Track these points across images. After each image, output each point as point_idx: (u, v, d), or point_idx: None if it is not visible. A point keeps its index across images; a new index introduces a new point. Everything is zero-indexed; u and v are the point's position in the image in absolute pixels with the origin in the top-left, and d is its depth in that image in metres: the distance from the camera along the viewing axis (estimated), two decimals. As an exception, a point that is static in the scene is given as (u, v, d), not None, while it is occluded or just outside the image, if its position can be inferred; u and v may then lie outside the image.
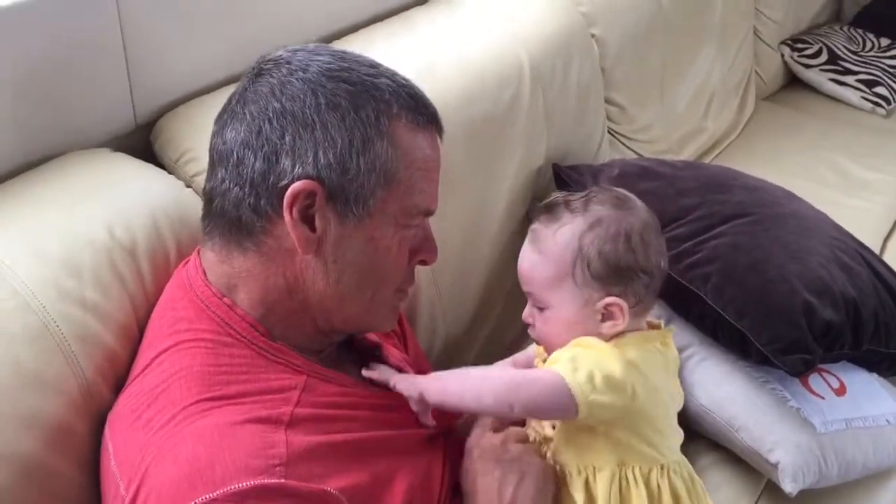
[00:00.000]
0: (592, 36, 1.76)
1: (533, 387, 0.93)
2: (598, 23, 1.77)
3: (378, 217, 0.88)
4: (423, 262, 0.96)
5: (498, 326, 1.59)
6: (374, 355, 1.02)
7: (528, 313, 1.04)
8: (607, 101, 1.84)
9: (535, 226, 1.02)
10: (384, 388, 0.96)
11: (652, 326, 1.05)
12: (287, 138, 0.85)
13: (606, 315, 0.98)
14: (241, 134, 0.87)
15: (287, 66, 0.88)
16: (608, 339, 0.98)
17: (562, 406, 0.91)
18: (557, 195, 1.05)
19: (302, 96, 0.85)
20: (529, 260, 1.02)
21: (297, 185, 0.84)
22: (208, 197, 0.91)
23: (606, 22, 1.79)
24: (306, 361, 0.90)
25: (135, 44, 1.17)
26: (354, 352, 1.02)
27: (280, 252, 0.88)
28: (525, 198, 1.60)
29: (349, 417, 0.89)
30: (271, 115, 0.85)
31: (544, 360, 1.04)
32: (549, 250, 0.99)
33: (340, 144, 0.85)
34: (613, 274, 0.97)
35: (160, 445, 0.78)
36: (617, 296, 0.97)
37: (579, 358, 0.93)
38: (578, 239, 0.97)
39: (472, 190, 1.47)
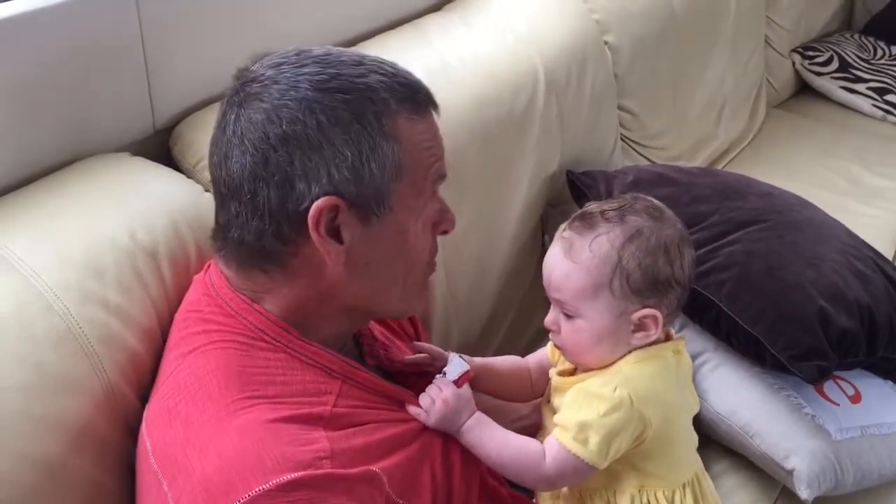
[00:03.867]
0: (606, 43, 1.76)
1: (553, 466, 0.95)
2: (612, 30, 1.78)
3: (399, 209, 0.88)
4: (444, 233, 0.96)
5: (511, 332, 1.60)
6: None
7: (552, 319, 1.02)
8: (620, 107, 1.84)
9: (567, 233, 1.00)
10: (399, 381, 0.99)
11: (665, 335, 1.05)
12: (297, 163, 0.84)
13: (639, 326, 0.97)
14: (248, 166, 0.85)
15: (275, 86, 0.85)
16: (636, 349, 0.99)
17: (584, 474, 0.96)
18: (591, 204, 1.02)
19: (301, 117, 0.83)
20: (563, 268, 0.99)
21: (318, 203, 0.84)
22: (223, 228, 0.90)
23: (620, 29, 1.79)
24: (341, 364, 0.90)
25: (154, 50, 1.18)
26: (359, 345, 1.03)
27: (308, 268, 0.88)
28: (539, 204, 1.60)
29: (379, 416, 0.90)
30: (274, 142, 0.83)
31: (559, 374, 1.05)
32: (585, 260, 0.97)
33: (351, 156, 0.84)
34: (651, 286, 0.96)
35: (202, 440, 0.79)
36: (652, 307, 0.97)
37: (587, 425, 0.93)
38: (618, 251, 0.96)
39: (487, 195, 1.47)
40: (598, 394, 0.95)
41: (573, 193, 1.61)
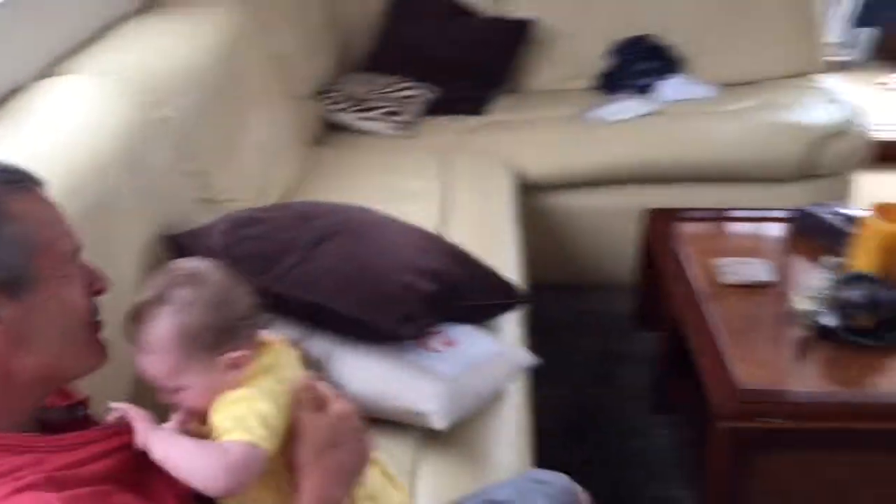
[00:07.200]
0: (161, 119, 1.89)
1: (230, 457, 1.01)
2: (164, 105, 1.92)
3: (46, 280, 0.96)
4: (99, 292, 1.05)
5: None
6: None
7: (168, 398, 1.09)
8: (189, 173, 1.98)
9: (132, 335, 1.07)
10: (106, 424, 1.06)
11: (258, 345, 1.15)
12: None
13: (232, 365, 1.07)
14: None
15: None
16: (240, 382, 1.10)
17: (262, 460, 1.03)
18: (135, 303, 1.09)
19: None
20: (146, 363, 1.07)
21: None
22: None
23: (172, 103, 1.94)
24: (23, 438, 0.94)
25: None
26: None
27: None
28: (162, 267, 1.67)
29: (96, 470, 0.96)
30: None
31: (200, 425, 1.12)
32: (157, 347, 1.05)
33: None
34: (222, 336, 1.06)
35: None
36: (234, 349, 1.07)
37: (244, 417, 1.04)
38: (178, 326, 1.04)
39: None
40: (239, 397, 1.06)
41: (181, 255, 1.72)
